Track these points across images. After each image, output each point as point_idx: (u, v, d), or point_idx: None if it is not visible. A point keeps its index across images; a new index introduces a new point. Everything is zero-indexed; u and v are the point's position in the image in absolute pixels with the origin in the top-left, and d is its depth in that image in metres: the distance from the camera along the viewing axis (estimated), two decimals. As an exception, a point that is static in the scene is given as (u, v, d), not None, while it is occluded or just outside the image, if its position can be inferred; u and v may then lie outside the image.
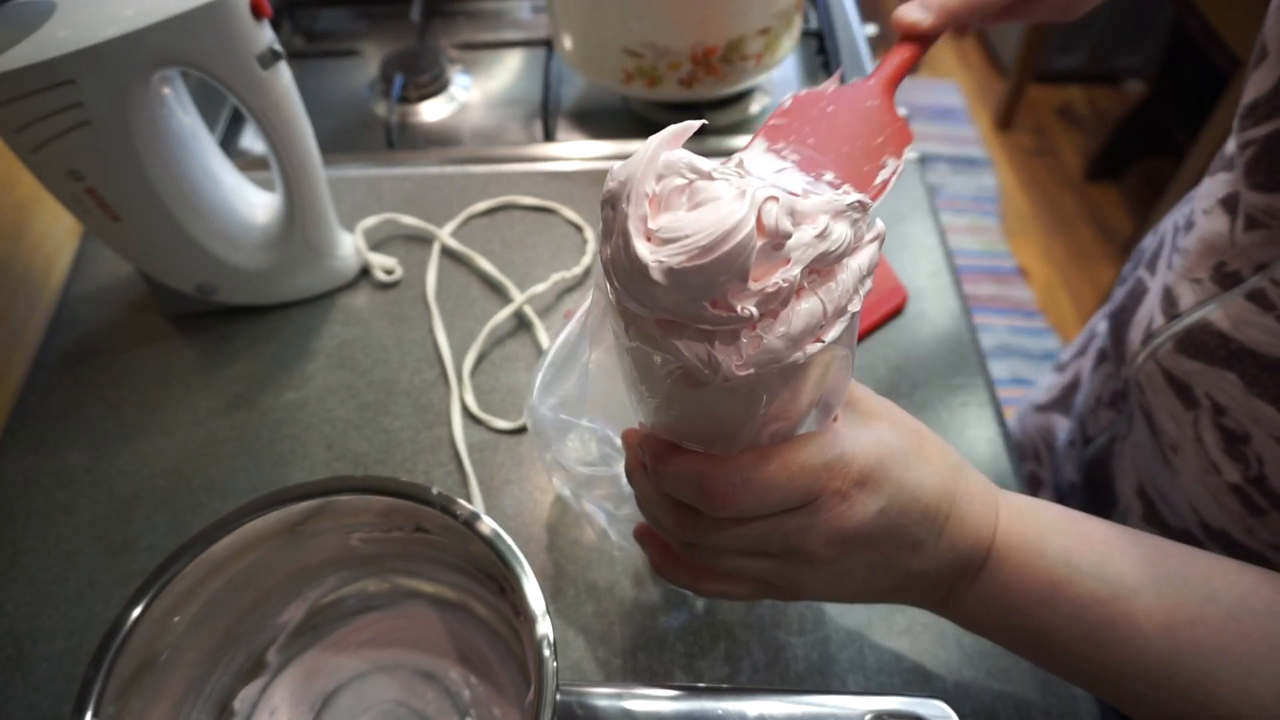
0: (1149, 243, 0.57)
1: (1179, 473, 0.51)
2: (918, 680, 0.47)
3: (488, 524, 0.39)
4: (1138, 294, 0.54)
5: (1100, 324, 0.65)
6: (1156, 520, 0.55)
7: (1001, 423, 0.58)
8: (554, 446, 0.43)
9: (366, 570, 0.46)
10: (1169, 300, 0.49)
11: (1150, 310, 0.51)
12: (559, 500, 0.55)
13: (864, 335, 0.63)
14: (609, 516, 0.46)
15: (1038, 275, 1.99)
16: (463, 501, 0.39)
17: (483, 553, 0.39)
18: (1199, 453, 0.48)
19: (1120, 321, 0.55)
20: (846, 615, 0.50)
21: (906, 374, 0.60)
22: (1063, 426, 0.69)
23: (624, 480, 0.39)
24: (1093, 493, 0.63)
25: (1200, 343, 0.46)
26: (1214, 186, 0.47)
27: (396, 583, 0.47)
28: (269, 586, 0.43)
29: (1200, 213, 0.48)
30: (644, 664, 0.48)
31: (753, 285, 0.26)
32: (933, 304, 0.64)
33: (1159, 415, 0.51)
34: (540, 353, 0.62)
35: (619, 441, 0.39)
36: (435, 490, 0.40)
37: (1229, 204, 0.45)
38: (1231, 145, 0.47)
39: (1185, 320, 0.47)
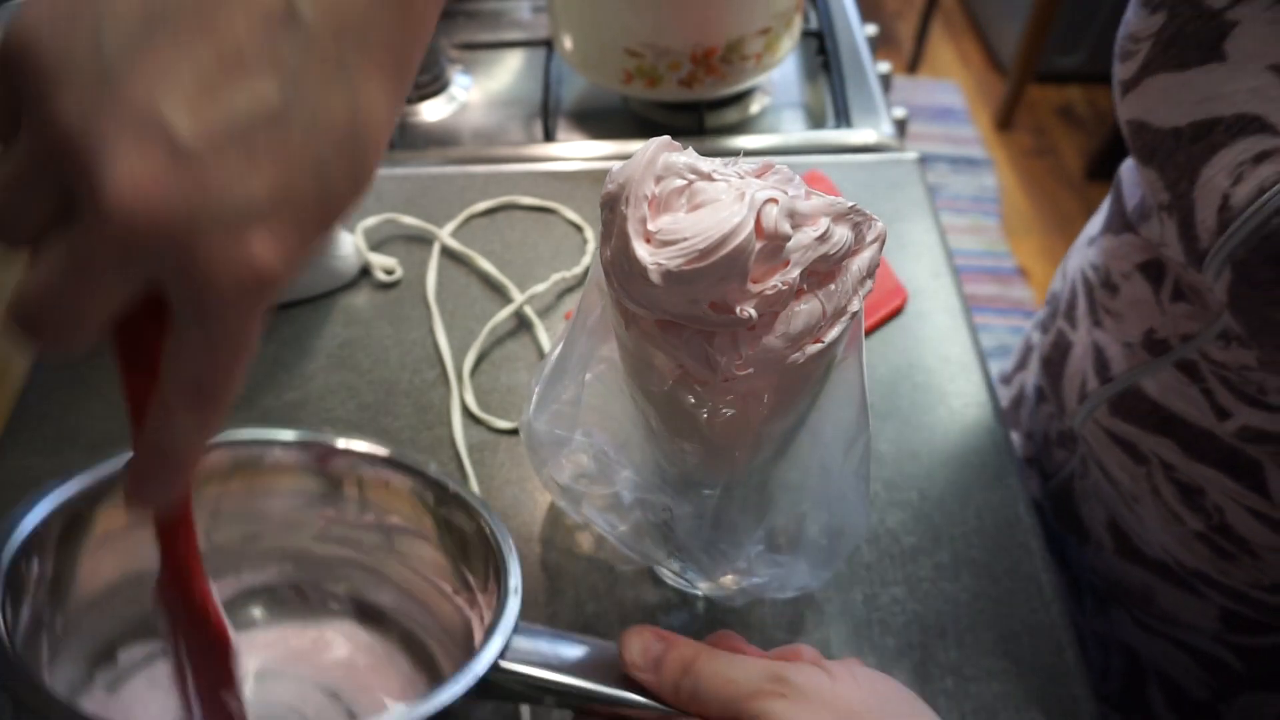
0: (1059, 287, 0.56)
1: (1143, 519, 0.50)
2: (917, 680, 0.48)
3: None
4: (1062, 346, 0.52)
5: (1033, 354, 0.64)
6: (1129, 552, 0.54)
7: (1001, 423, 0.58)
8: (549, 463, 0.43)
9: (313, 573, 0.44)
10: (1101, 362, 0.48)
11: (1082, 367, 0.50)
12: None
13: (864, 335, 0.62)
14: (609, 527, 0.46)
15: (1038, 275, 1.99)
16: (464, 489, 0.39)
17: (472, 541, 0.39)
18: (1158, 504, 0.47)
19: (1052, 372, 0.54)
20: (846, 615, 0.50)
21: (906, 374, 0.60)
22: (1015, 441, 0.68)
23: (622, 493, 0.39)
24: (1061, 519, 0.62)
25: (1132, 408, 0.46)
26: (1124, 249, 0.45)
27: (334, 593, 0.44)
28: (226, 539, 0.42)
29: (1119, 275, 0.46)
30: (644, 664, 0.48)
31: (752, 287, 0.26)
32: (933, 304, 0.64)
33: (1112, 468, 0.50)
34: (540, 353, 0.62)
35: (614, 454, 0.39)
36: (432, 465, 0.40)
37: (1150, 271, 0.44)
38: (1131, 208, 0.45)
39: (1118, 385, 0.46)
